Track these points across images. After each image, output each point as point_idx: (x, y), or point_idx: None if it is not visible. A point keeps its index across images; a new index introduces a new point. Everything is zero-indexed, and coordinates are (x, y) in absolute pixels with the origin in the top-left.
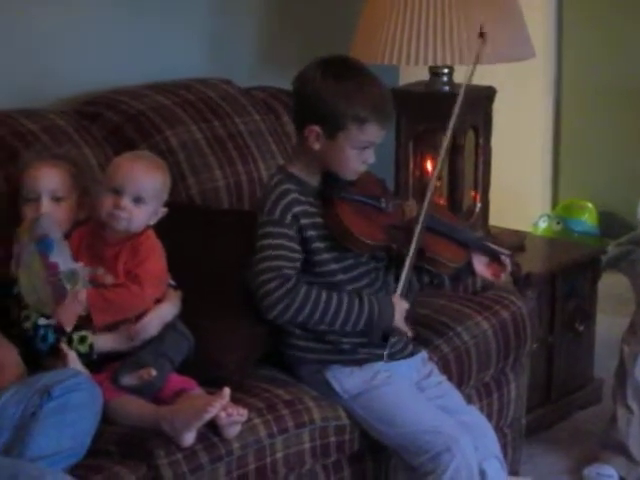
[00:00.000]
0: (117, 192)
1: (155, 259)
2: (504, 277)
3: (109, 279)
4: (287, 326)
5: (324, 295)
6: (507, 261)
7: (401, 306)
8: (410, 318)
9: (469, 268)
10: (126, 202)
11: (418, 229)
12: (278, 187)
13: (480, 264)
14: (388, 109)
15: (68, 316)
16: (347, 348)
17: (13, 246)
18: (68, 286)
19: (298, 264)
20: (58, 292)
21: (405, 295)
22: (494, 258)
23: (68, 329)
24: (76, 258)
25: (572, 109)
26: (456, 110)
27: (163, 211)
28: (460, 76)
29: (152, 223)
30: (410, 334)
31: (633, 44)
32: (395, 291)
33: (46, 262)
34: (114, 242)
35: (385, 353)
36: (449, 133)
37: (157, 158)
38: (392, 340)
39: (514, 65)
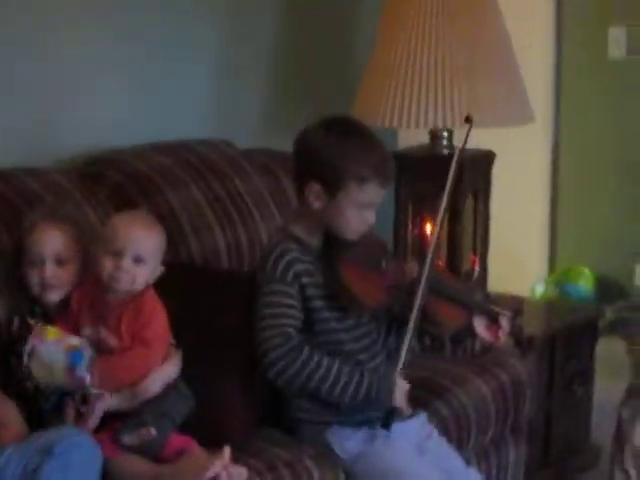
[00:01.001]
0: (117, 254)
1: (159, 319)
2: (503, 339)
3: (113, 341)
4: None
5: (325, 361)
6: (504, 322)
7: (402, 386)
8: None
9: (470, 329)
10: (127, 263)
11: (420, 292)
12: (278, 246)
13: (480, 326)
14: (389, 169)
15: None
16: (346, 410)
17: (29, 337)
18: (94, 391)
19: (299, 322)
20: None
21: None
22: (494, 320)
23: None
24: (79, 321)
25: (570, 175)
26: (451, 175)
27: (161, 269)
28: (460, 139)
29: (151, 282)
30: (409, 413)
31: (632, 112)
32: (397, 365)
33: (72, 374)
34: (116, 304)
35: (385, 432)
36: (445, 196)
37: (151, 217)
38: (394, 422)
39: (513, 130)
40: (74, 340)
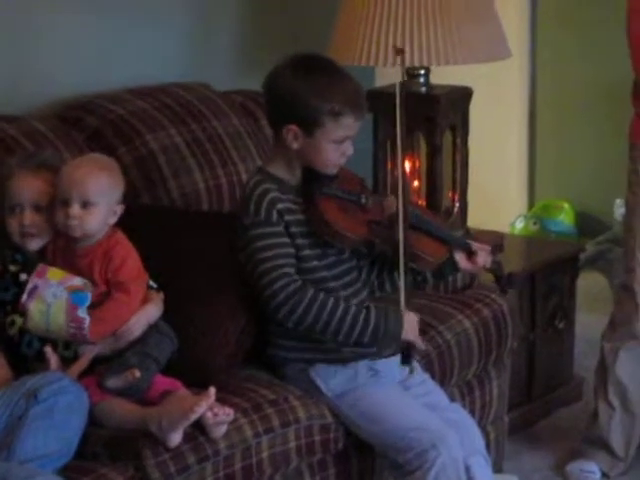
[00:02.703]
0: (65, 203)
1: (131, 261)
2: (482, 265)
3: (89, 288)
4: (274, 326)
5: (330, 301)
6: (483, 256)
7: (411, 318)
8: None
9: (453, 264)
10: (74, 210)
11: (401, 228)
12: (257, 187)
13: (463, 259)
14: (361, 100)
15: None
16: (331, 347)
17: (30, 277)
18: (88, 337)
19: (294, 260)
20: (77, 339)
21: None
22: (472, 254)
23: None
24: None
25: (547, 109)
26: (398, 112)
27: (121, 208)
28: (436, 77)
29: (112, 222)
30: (424, 347)
31: (607, 42)
32: (400, 300)
33: (73, 314)
34: (84, 252)
35: (408, 370)
36: (399, 134)
37: (104, 158)
38: (415, 359)
39: (490, 65)
40: (78, 281)
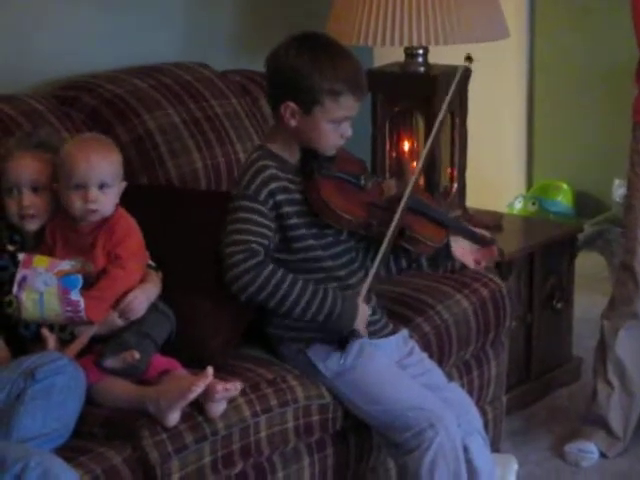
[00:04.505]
0: (81, 187)
1: (133, 236)
2: (485, 264)
3: (90, 267)
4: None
5: (289, 278)
6: (495, 249)
7: (363, 310)
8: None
9: (447, 251)
10: (93, 193)
11: (401, 207)
12: (257, 162)
13: (459, 248)
14: (362, 81)
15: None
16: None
17: (18, 269)
18: (86, 318)
19: (267, 241)
20: (74, 322)
21: (370, 291)
22: (475, 242)
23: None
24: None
25: (546, 89)
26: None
27: (124, 185)
28: (434, 57)
29: (117, 200)
30: (365, 336)
31: (605, 23)
32: (362, 289)
33: (67, 298)
34: (88, 230)
35: (341, 354)
36: (442, 114)
37: (103, 137)
38: (350, 344)
39: (488, 45)
40: (65, 265)
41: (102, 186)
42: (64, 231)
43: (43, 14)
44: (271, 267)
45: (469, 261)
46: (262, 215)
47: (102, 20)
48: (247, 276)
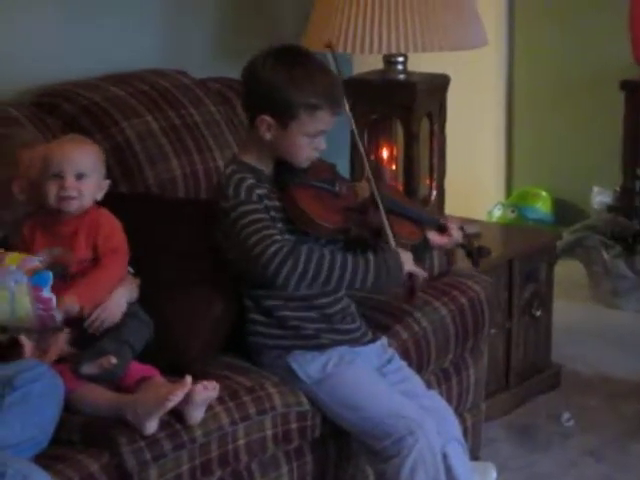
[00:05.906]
0: (58, 175)
1: (120, 233)
2: (457, 236)
3: (69, 256)
4: (255, 313)
5: (327, 252)
6: (454, 230)
7: (404, 252)
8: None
9: (426, 245)
10: (71, 181)
11: (381, 207)
12: (233, 176)
13: (435, 236)
14: (338, 96)
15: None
16: (310, 333)
17: None
18: (59, 317)
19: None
20: (45, 322)
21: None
22: (443, 231)
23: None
24: (31, 249)
25: (525, 96)
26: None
27: (107, 183)
28: (414, 64)
29: (99, 198)
30: (426, 275)
31: (585, 30)
32: (390, 241)
33: (38, 295)
34: (69, 220)
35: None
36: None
37: (83, 137)
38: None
39: (467, 53)
40: (34, 261)
41: (80, 177)
42: (42, 226)
43: (19, 21)
44: (305, 248)
45: (444, 242)
46: (263, 212)
47: (78, 27)
48: (286, 266)
